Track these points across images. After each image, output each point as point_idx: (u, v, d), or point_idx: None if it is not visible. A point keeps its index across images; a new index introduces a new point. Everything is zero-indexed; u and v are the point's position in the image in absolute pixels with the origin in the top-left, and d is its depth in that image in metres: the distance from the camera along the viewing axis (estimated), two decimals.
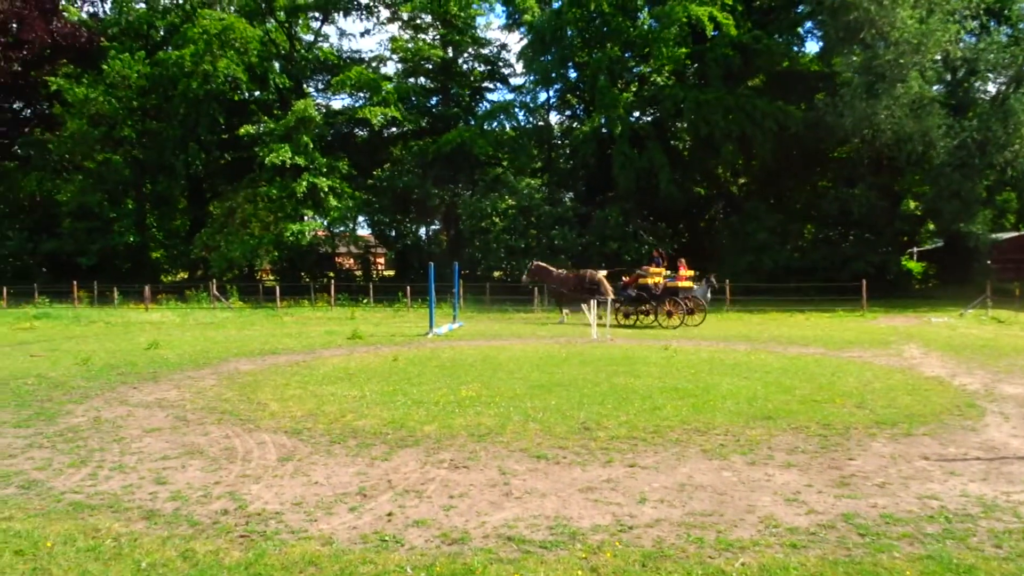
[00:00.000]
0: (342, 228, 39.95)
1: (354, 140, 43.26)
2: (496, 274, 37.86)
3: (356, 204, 38.12)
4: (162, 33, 41.00)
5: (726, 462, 7.25)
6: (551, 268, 26.69)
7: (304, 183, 35.50)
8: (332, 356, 15.72)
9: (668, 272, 24.16)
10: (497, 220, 35.49)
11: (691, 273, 24.62)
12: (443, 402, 10.19)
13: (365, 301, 34.20)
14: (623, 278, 25.74)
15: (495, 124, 40.43)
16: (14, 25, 39.45)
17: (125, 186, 40.86)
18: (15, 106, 45.09)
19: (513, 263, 35.76)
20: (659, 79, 37.49)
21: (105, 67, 37.20)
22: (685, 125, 37.31)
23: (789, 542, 5.17)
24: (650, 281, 23.53)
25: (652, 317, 23.44)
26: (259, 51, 37.53)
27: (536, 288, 31.22)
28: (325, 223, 38.93)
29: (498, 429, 8.60)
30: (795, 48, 39.35)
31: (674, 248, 37.77)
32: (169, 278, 45.78)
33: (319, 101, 42.94)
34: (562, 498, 6.18)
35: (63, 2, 41.79)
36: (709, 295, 27.99)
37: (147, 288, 33.38)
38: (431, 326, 21.22)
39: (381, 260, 49.53)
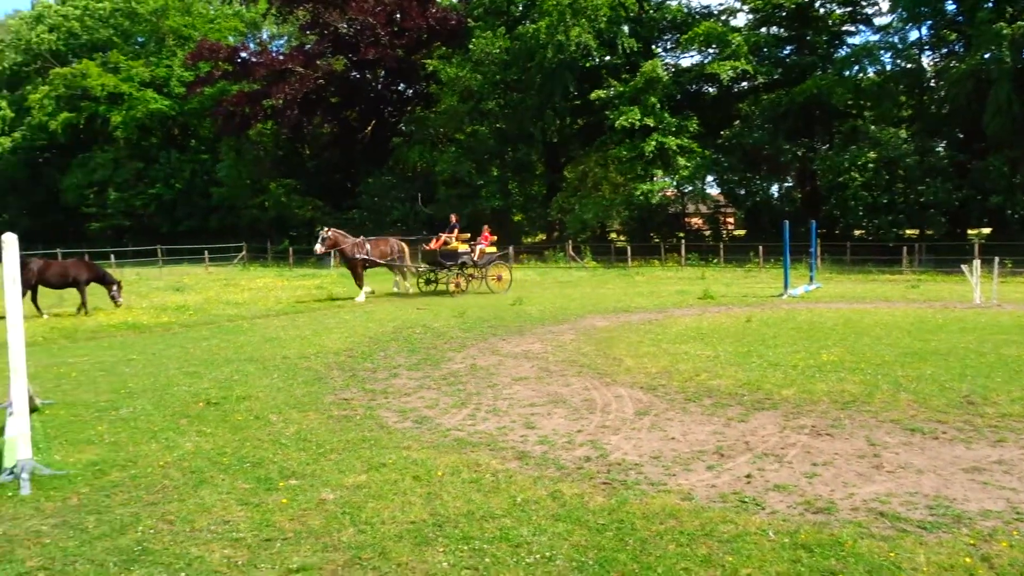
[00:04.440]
0: (690, 187, 39.73)
1: (703, 97, 42.51)
2: (856, 233, 35.22)
3: (704, 163, 37.60)
4: (520, 8, 43.49)
5: None
6: (347, 236, 21.75)
7: (653, 143, 35.76)
8: (683, 315, 15.77)
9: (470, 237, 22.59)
10: (856, 175, 32.79)
11: (495, 239, 23.16)
12: (801, 366, 9.75)
13: (715, 261, 33.82)
14: (425, 245, 23.15)
15: (855, 70, 37.17)
16: (398, 16, 44.50)
17: (490, 155, 44.36)
18: (400, 87, 51.03)
19: (875, 221, 32.94)
20: None
21: (471, 46, 40.48)
22: None
23: None
24: (460, 248, 21.83)
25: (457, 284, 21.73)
26: (608, 16, 38.24)
27: (904, 248, 28.48)
28: (674, 183, 38.99)
29: (864, 397, 8.03)
30: None
31: None
32: (528, 239, 49.02)
33: (667, 60, 42.79)
34: (942, 477, 5.61)
35: None
36: None
37: (510, 248, 36.12)
38: (786, 287, 20.35)
39: (730, 219, 48.37)
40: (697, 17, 42.43)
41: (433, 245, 22.32)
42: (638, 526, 4.76)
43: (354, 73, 48.52)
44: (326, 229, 21.18)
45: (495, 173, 44.24)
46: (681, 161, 36.41)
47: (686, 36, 38.55)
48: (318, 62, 45.04)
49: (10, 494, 5.53)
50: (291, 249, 42.60)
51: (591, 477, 5.71)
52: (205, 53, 46.26)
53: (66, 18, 58.23)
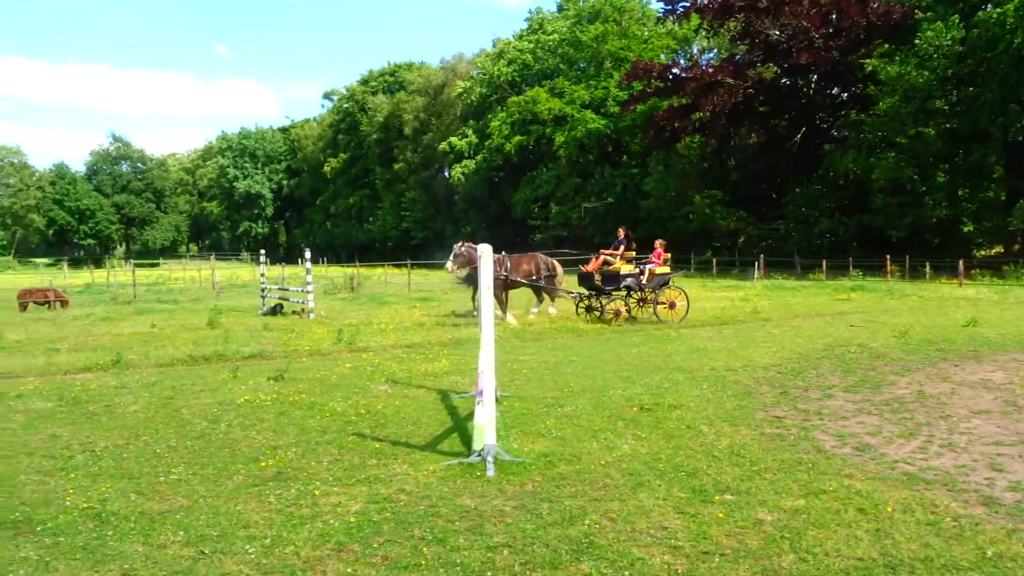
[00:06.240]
0: None
1: None
2: None
3: None
4: None
5: None
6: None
7: None
8: None
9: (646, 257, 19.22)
10: None
11: (668, 256, 19.35)
12: None
13: None
14: (583, 266, 20.02)
15: None
16: (834, 16, 42.24)
17: (935, 159, 39.96)
18: (833, 91, 48.43)
19: None
20: None
21: (917, 40, 36.89)
22: None
23: None
24: (623, 268, 18.29)
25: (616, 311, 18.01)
26: None
27: None
28: None
29: None
30: None
31: None
32: (982, 253, 43.31)
33: None
34: None
35: None
36: None
37: (960, 263, 32.15)
38: None
39: None
40: None
41: (591, 266, 19.20)
42: None
43: (784, 80, 47.33)
44: (460, 244, 18.53)
45: (941, 179, 39.75)
46: None
47: None
48: (748, 71, 44.76)
49: (478, 473, 6.30)
50: (714, 260, 42.84)
51: None
52: (639, 72, 48.64)
53: (521, 52, 66.03)
